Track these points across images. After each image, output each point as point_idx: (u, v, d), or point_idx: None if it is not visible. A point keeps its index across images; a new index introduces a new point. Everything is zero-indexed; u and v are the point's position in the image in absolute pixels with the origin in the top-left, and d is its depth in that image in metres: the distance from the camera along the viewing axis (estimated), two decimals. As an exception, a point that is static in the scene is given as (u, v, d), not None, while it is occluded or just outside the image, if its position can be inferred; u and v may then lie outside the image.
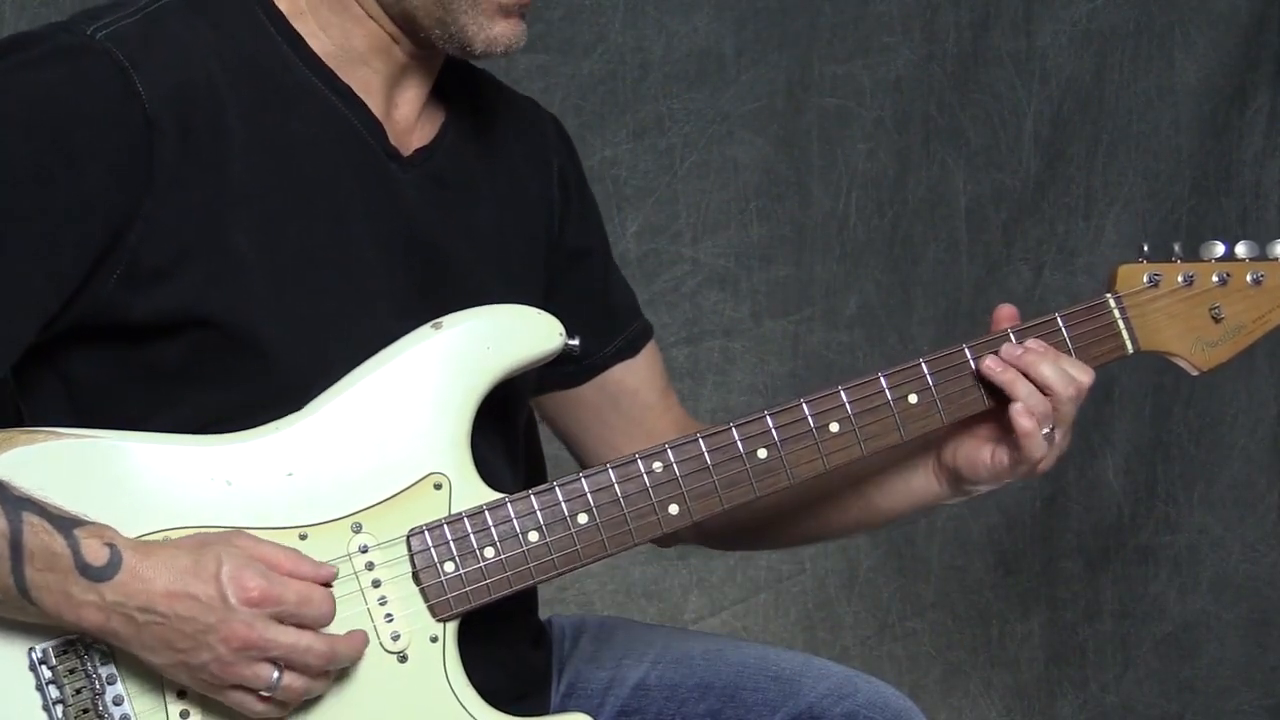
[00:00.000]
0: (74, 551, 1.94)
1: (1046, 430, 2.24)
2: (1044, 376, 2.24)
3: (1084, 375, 2.26)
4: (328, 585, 2.04)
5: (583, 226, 2.43)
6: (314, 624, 2.00)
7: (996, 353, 2.26)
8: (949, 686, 4.09)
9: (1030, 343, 2.26)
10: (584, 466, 2.31)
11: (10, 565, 1.93)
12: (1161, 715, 4.16)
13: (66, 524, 1.95)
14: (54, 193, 2.01)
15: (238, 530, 2.02)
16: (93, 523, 1.97)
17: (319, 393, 2.10)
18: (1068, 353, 2.30)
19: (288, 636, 1.98)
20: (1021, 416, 2.23)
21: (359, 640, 2.05)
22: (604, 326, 2.38)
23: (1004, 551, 4.12)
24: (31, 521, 1.94)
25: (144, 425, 2.07)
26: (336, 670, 2.04)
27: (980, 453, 2.29)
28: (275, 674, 1.98)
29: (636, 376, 2.44)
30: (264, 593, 1.96)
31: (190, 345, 2.06)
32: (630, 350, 2.44)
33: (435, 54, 2.22)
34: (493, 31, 2.16)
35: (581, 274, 2.40)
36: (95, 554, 1.94)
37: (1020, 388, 2.24)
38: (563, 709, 2.35)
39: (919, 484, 2.35)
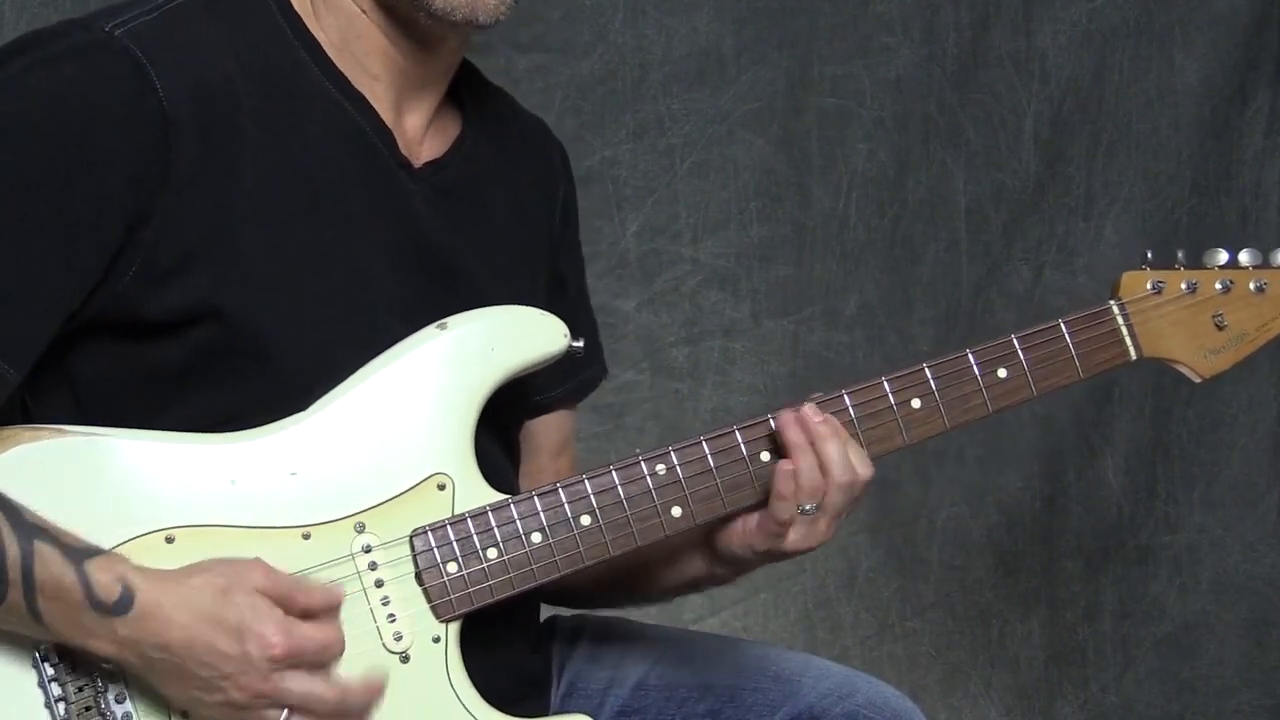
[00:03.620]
0: (85, 586, 1.94)
1: (808, 506, 2.17)
2: (828, 454, 2.17)
3: (864, 469, 2.19)
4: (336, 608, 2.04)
5: (569, 259, 2.43)
6: (329, 662, 2.01)
7: (798, 410, 2.19)
8: (949, 686, 4.09)
9: (827, 422, 2.18)
10: None
11: (22, 593, 1.93)
12: (1161, 715, 4.16)
13: (78, 555, 1.95)
14: (74, 191, 2.01)
15: (254, 561, 2.01)
16: (104, 553, 1.97)
17: (322, 394, 2.10)
18: (1071, 358, 2.29)
19: (302, 686, 1.98)
20: (784, 479, 2.16)
21: (373, 691, 2.05)
22: (560, 366, 2.27)
23: (1004, 551, 4.11)
24: (42, 551, 1.94)
25: (149, 424, 2.07)
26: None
27: (734, 521, 2.22)
28: (285, 711, 1.99)
29: (553, 427, 2.43)
30: (287, 649, 1.96)
31: (197, 344, 2.07)
32: (575, 396, 2.44)
33: (439, 57, 2.22)
34: None
35: (555, 305, 2.37)
36: (107, 590, 1.94)
37: (800, 456, 2.16)
38: (563, 709, 2.35)
39: (693, 561, 2.29)
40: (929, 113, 4.02)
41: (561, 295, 2.39)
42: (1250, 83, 4.09)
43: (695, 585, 2.35)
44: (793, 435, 2.17)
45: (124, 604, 1.94)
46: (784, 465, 2.16)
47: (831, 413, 2.21)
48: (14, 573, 1.93)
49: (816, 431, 2.17)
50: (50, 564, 1.94)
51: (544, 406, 2.41)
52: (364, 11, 2.17)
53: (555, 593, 2.34)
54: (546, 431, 2.42)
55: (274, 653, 1.95)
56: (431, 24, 2.15)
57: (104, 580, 1.94)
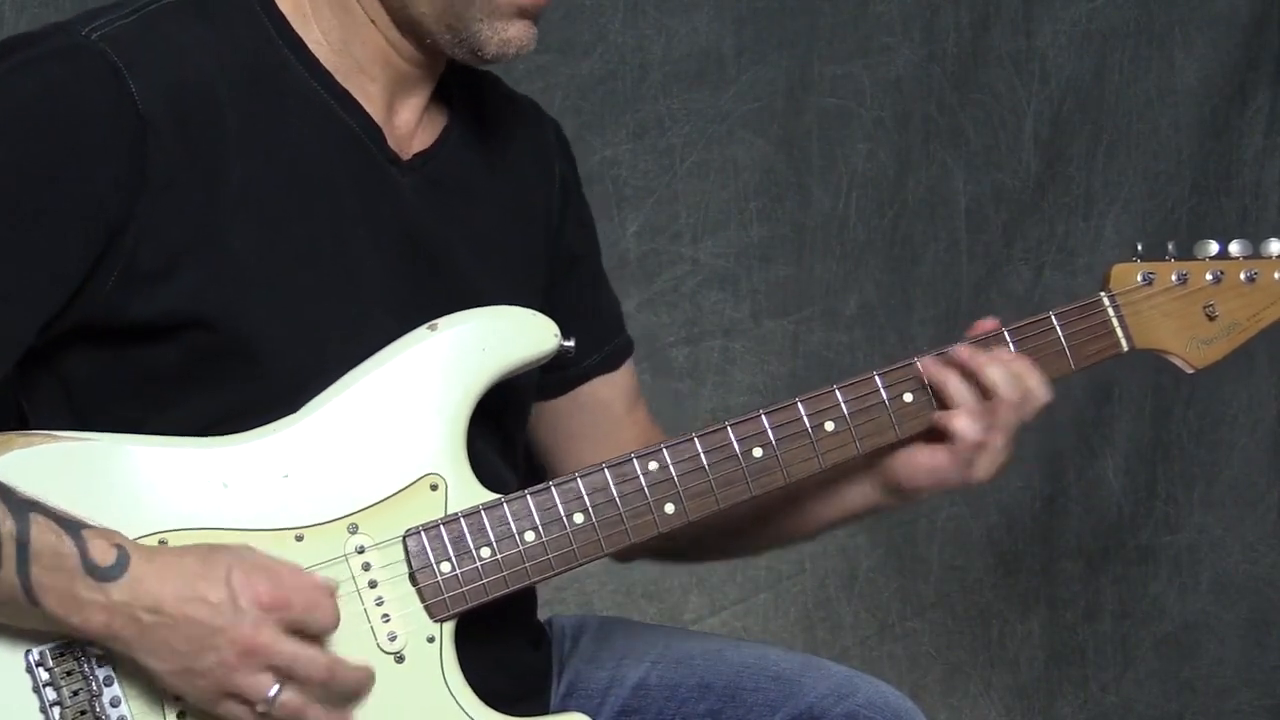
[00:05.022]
0: (81, 552, 1.94)
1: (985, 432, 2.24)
2: (991, 378, 2.24)
3: (1042, 392, 2.26)
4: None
5: (578, 235, 2.43)
6: (319, 631, 2.01)
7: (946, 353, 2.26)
8: (949, 686, 4.09)
9: (976, 354, 2.25)
10: (548, 474, 2.30)
11: (15, 566, 1.93)
12: (1161, 715, 4.16)
13: (73, 525, 1.95)
14: (51, 194, 2.01)
15: (245, 545, 2.02)
16: (99, 525, 1.97)
17: (313, 396, 2.10)
18: (1061, 351, 2.30)
19: (291, 645, 1.98)
20: (957, 418, 2.24)
21: (363, 672, 2.04)
22: (588, 338, 2.33)
23: (1004, 551, 4.12)
24: (38, 522, 1.94)
25: (142, 427, 2.07)
26: (334, 697, 2.03)
27: (918, 455, 2.28)
28: (274, 687, 1.98)
29: (611, 391, 2.44)
30: (273, 596, 1.96)
31: (187, 347, 2.06)
32: (609, 365, 2.44)
33: (438, 60, 2.22)
34: (507, 34, 2.16)
35: (572, 282, 2.40)
36: (103, 554, 1.94)
37: (957, 392, 2.24)
38: (562, 709, 2.35)
39: (856, 493, 2.34)
40: (929, 113, 4.03)
41: (572, 273, 2.40)
42: (1250, 83, 4.09)
43: (855, 516, 2.38)
44: (936, 374, 2.24)
45: (119, 567, 1.94)
46: (941, 415, 2.24)
47: (824, 408, 2.22)
48: (8, 547, 1.93)
49: (974, 364, 2.24)
50: (47, 533, 1.94)
51: (576, 379, 2.41)
52: (373, 21, 2.17)
53: (686, 548, 2.39)
54: (603, 397, 2.43)
55: (261, 598, 1.95)
56: (467, 58, 2.18)
57: (100, 545, 1.95)
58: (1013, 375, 2.25)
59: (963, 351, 2.25)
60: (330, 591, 2.03)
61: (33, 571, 1.94)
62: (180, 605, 1.95)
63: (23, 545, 1.93)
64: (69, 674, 1.99)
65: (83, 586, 1.94)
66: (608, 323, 2.45)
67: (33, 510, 1.95)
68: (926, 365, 2.25)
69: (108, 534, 1.96)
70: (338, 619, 2.02)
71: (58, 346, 2.08)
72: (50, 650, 1.99)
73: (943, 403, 2.25)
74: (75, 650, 2.00)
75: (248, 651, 1.96)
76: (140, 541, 2.00)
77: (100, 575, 1.94)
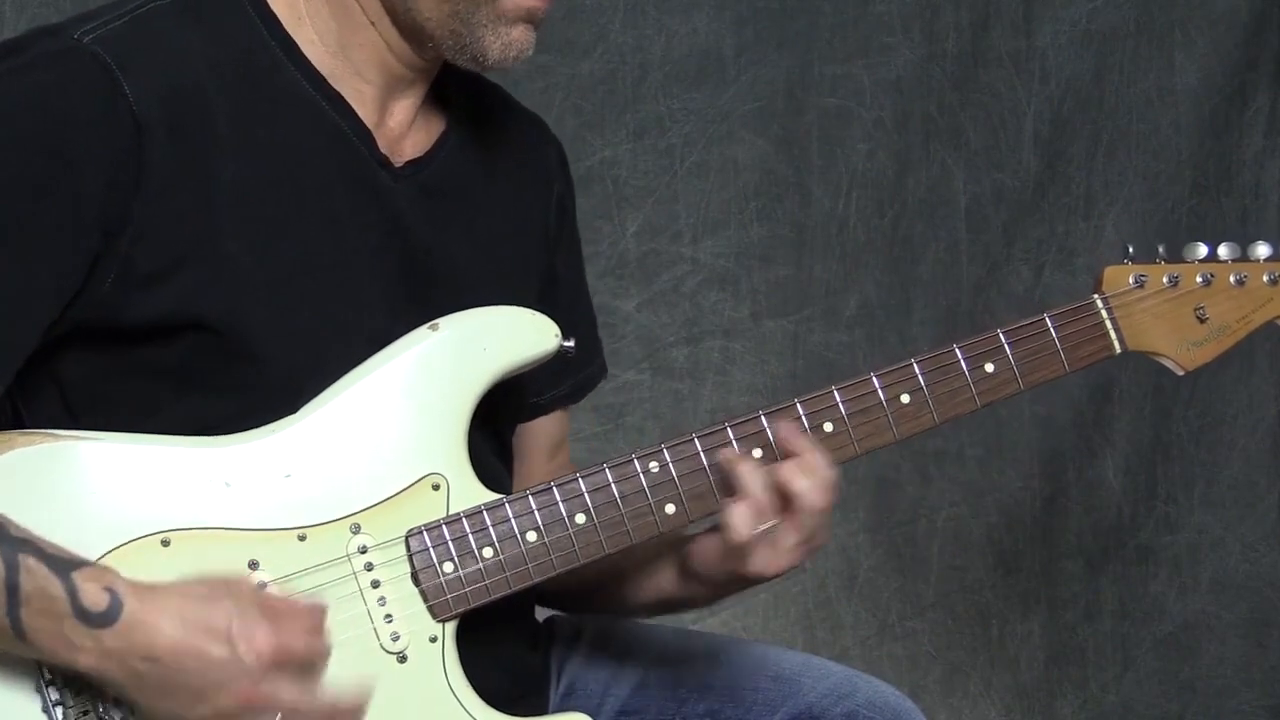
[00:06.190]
0: (71, 596, 1.91)
1: (764, 527, 2.14)
2: (792, 485, 2.15)
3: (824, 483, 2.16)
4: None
5: (565, 257, 2.42)
6: (319, 664, 1.99)
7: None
8: (949, 686, 4.09)
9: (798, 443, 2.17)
10: None
11: (6, 608, 1.91)
12: (1161, 715, 4.16)
13: (64, 566, 1.92)
14: (49, 199, 2.00)
15: (242, 577, 2.01)
16: (92, 565, 1.95)
17: (310, 398, 2.10)
18: (1056, 352, 2.30)
19: (293, 693, 1.96)
20: (732, 506, 2.14)
21: (361, 703, 2.03)
22: (558, 366, 2.28)
23: (1004, 551, 4.11)
24: (28, 564, 1.91)
25: (139, 428, 2.06)
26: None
27: (706, 539, 2.20)
28: (278, 715, 1.96)
29: (553, 429, 2.43)
30: (275, 650, 1.94)
31: (183, 349, 2.06)
32: (572, 397, 2.44)
33: (434, 64, 2.22)
34: (510, 37, 2.16)
35: (549, 303, 2.36)
36: (94, 599, 1.91)
37: (749, 480, 2.14)
38: (562, 709, 2.35)
39: (665, 574, 2.29)
40: (929, 113, 4.03)
41: (555, 293, 2.38)
42: (1250, 83, 4.09)
43: (670, 604, 2.33)
44: (736, 466, 2.15)
45: (112, 613, 1.91)
46: (724, 503, 2.15)
47: (822, 408, 2.22)
48: None
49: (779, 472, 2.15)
50: (36, 575, 1.91)
51: (542, 408, 2.41)
52: (373, 24, 2.17)
53: (543, 594, 2.34)
54: (541, 433, 2.42)
55: (262, 651, 1.93)
56: (469, 64, 2.18)
57: (91, 590, 1.91)
58: (820, 482, 2.15)
59: (783, 435, 2.17)
60: (324, 623, 2.00)
61: (23, 614, 1.91)
62: (178, 657, 1.92)
63: (12, 588, 1.90)
64: (79, 694, 1.97)
65: (74, 632, 1.91)
66: (581, 351, 2.34)
67: (23, 551, 1.91)
68: (725, 454, 2.16)
69: (99, 575, 1.93)
70: (329, 651, 2.00)
71: (54, 349, 2.07)
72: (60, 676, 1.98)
73: (729, 489, 2.16)
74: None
75: (249, 704, 1.94)
76: (142, 541, 2.01)
77: (93, 621, 1.91)
